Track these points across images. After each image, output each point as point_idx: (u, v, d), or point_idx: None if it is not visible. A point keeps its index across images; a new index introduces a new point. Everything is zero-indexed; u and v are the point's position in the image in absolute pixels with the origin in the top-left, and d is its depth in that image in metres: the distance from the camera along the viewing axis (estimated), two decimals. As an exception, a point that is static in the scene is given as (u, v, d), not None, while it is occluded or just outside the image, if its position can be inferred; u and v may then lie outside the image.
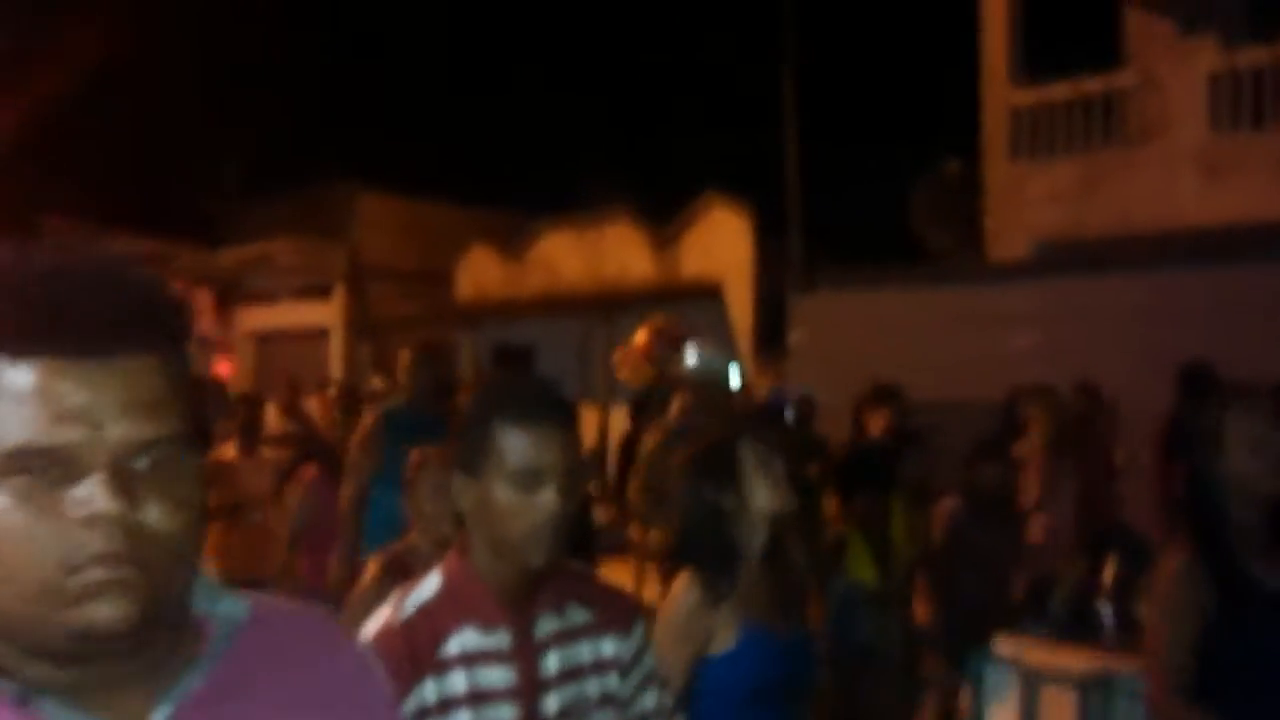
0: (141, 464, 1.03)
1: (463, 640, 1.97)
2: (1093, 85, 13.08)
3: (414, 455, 3.87)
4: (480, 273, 18.31)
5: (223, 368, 19.75)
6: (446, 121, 21.95)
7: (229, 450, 7.02)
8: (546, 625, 2.03)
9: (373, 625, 1.98)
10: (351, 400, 9.60)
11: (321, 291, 19.51)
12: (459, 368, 17.17)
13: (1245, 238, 10.92)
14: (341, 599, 5.26)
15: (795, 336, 13.07)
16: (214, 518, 6.64)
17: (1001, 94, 13.64)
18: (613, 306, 15.80)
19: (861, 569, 5.67)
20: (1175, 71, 12.54)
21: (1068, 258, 12.49)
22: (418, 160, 20.77)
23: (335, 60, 22.02)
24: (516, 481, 1.96)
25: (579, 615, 2.07)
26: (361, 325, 19.06)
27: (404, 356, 6.00)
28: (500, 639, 1.99)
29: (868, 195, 16.21)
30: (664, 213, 15.95)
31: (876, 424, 6.59)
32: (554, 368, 15.22)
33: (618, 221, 16.48)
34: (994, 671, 4.80)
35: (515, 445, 1.96)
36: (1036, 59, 13.63)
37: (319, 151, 20.86)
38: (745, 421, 6.54)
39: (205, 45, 21.05)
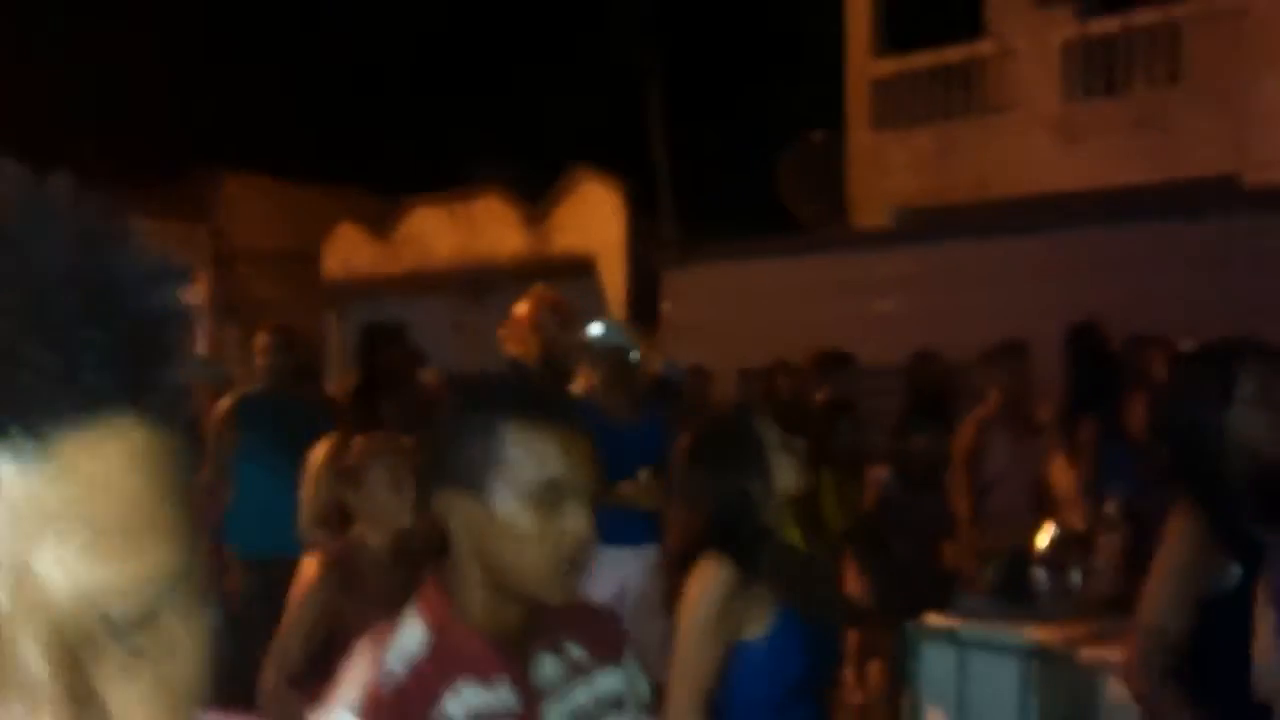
0: None
1: (464, 700, 1.63)
2: (953, 55, 13.34)
3: (359, 441, 3.68)
4: (348, 252, 18.03)
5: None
6: (312, 100, 21.54)
7: None
8: (548, 669, 1.71)
9: (352, 692, 1.62)
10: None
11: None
12: (321, 350, 16.93)
13: (1101, 201, 11.25)
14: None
15: (667, 309, 13.12)
16: None
17: (863, 65, 13.85)
18: (485, 283, 15.68)
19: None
20: (1031, 41, 12.84)
21: (928, 224, 12.76)
22: (284, 140, 20.36)
23: (194, 41, 21.46)
24: (535, 499, 1.64)
25: (575, 651, 1.76)
26: (227, 308, 18.66)
27: (260, 340, 5.90)
28: (503, 693, 1.66)
29: (737, 167, 16.32)
30: (535, 188, 15.86)
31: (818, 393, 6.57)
32: (426, 346, 15.04)
33: (488, 197, 16.34)
34: (928, 644, 4.70)
35: (535, 453, 1.64)
36: (899, 30, 13.86)
37: (180, 133, 20.34)
38: (650, 394, 6.46)
39: (62, 25, 20.38)
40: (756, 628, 2.68)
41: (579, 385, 5.87)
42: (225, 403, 5.75)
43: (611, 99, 17.04)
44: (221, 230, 19.01)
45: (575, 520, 1.65)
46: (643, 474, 5.09)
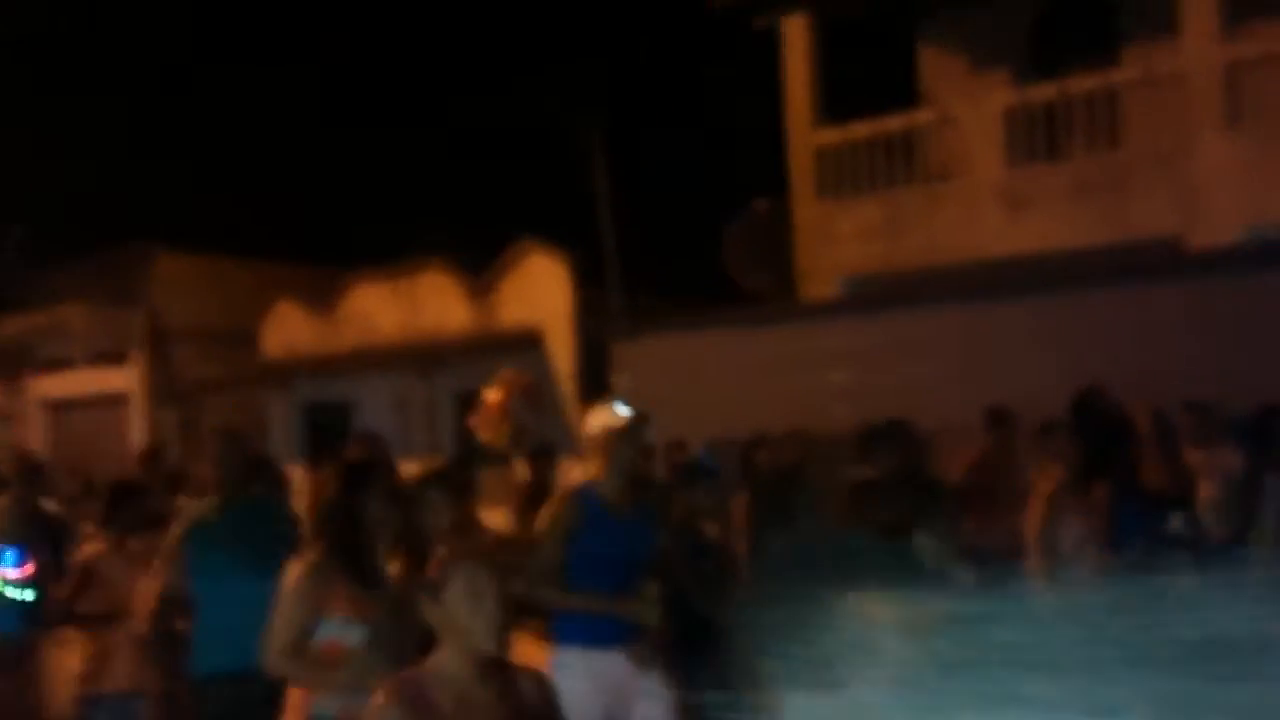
0: None
1: None
2: (893, 124, 13.43)
3: (440, 553, 3.52)
4: (289, 330, 17.74)
5: (13, 439, 18.71)
6: (248, 176, 21.34)
7: (93, 545, 6.31)
8: None
9: None
10: (158, 473, 9.06)
11: (119, 357, 18.65)
12: (264, 433, 16.61)
13: (1047, 268, 11.31)
14: None
15: (619, 382, 13.00)
16: (84, 627, 6.13)
17: (805, 134, 13.90)
18: (430, 359, 15.50)
19: None
20: (971, 109, 12.97)
21: (878, 294, 12.77)
22: (217, 216, 20.11)
23: (122, 114, 21.21)
24: None
25: None
26: (164, 391, 18.27)
27: (209, 448, 5.69)
28: None
29: (682, 237, 16.31)
30: (480, 262, 15.72)
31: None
32: (371, 424, 14.80)
33: (432, 272, 16.17)
34: None
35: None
36: (838, 100, 13.94)
37: (110, 211, 20.03)
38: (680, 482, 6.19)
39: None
40: None
41: (579, 471, 5.72)
42: (175, 530, 5.42)
43: (554, 170, 17.01)
44: (156, 310, 18.65)
45: None
46: (647, 589, 4.95)
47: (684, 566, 5.42)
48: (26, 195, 19.53)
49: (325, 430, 16.20)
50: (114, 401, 18.59)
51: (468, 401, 15.25)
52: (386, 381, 15.84)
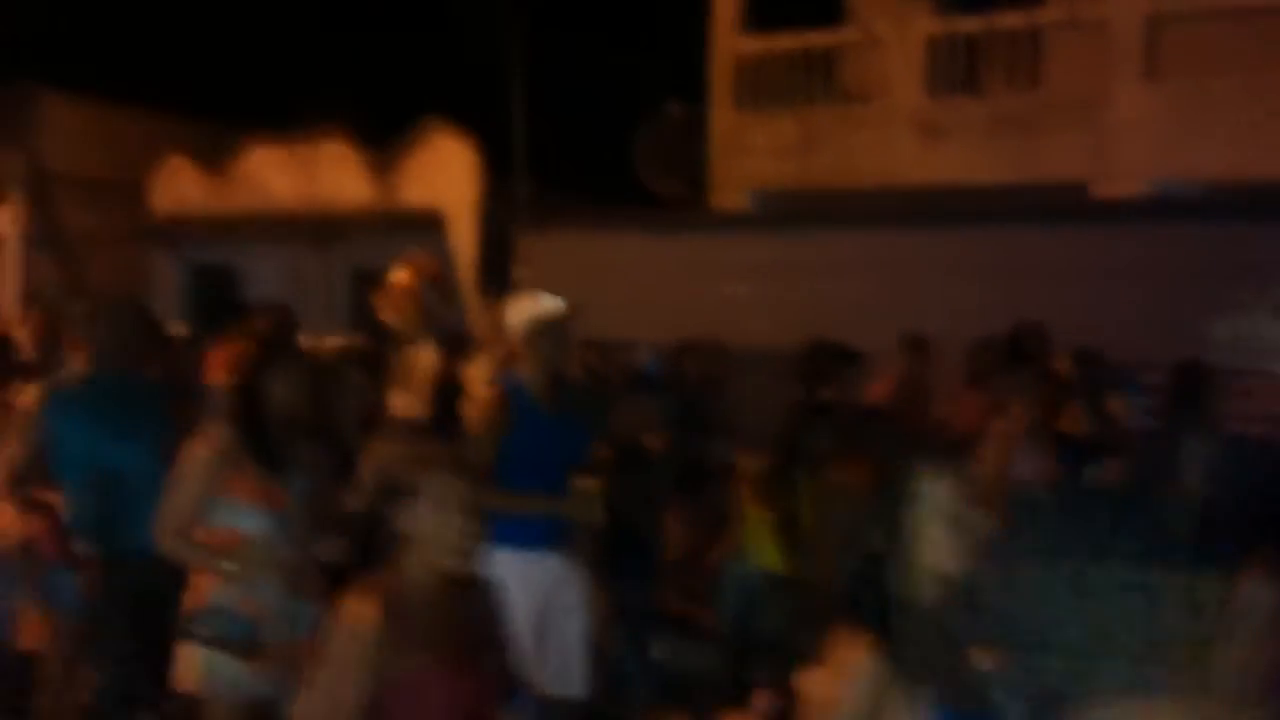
0: None
1: None
2: (816, 39, 13.36)
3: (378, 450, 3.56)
4: (179, 187, 17.19)
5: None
6: (141, 19, 20.41)
7: None
8: None
9: None
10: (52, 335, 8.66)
11: (-4, 199, 17.91)
12: (147, 291, 16.16)
13: (958, 199, 11.44)
14: None
15: (521, 275, 12.89)
16: None
17: (728, 42, 13.76)
18: (327, 231, 15.17)
19: (766, 553, 5.27)
20: (894, 32, 12.95)
21: (787, 210, 12.81)
22: (109, 61, 19.24)
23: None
24: None
25: None
26: (45, 238, 17.61)
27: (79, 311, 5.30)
28: None
29: (595, 137, 16.10)
30: (383, 137, 15.36)
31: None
32: (262, 293, 14.50)
33: (332, 141, 15.75)
34: None
35: None
36: (764, 8, 13.80)
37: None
38: (631, 388, 6.00)
39: None
40: None
41: (502, 362, 5.52)
42: (28, 394, 4.99)
43: (466, 52, 16.60)
44: (37, 152, 17.89)
45: None
46: (583, 483, 4.77)
47: (623, 479, 5.20)
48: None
49: (213, 294, 15.83)
50: (-10, 244, 17.89)
51: (365, 278, 15.01)
52: (280, 250, 15.48)
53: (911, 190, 12.02)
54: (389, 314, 7.31)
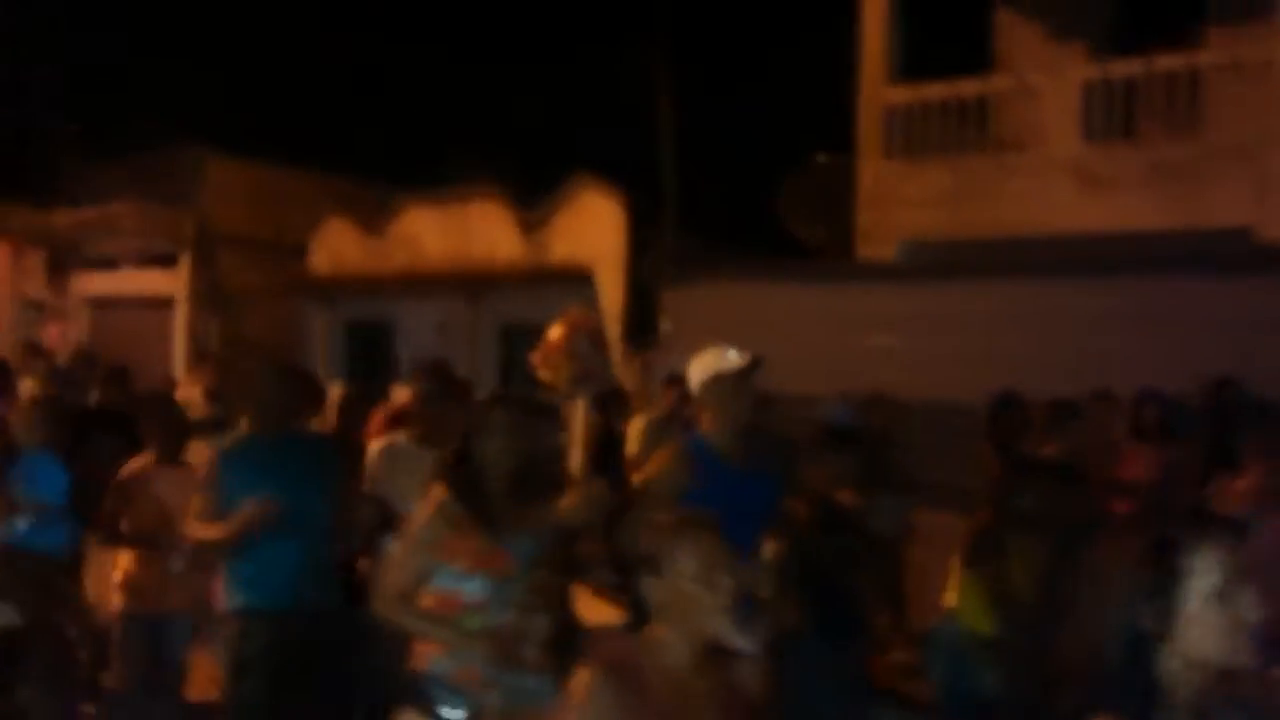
0: None
1: None
2: (967, 88, 13.17)
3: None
4: (337, 246, 17.69)
5: (53, 334, 18.79)
6: (302, 85, 21.16)
7: (145, 458, 5.96)
8: None
9: None
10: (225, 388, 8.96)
11: (166, 259, 18.64)
12: (304, 346, 16.60)
13: (1115, 248, 11.11)
14: None
15: (665, 326, 12.90)
16: (129, 546, 5.85)
17: (877, 91, 13.65)
18: (478, 287, 15.42)
19: (976, 615, 4.92)
20: (1048, 79, 12.70)
21: (936, 261, 12.59)
22: (271, 124, 19.97)
23: (185, 12, 21.02)
24: None
25: None
26: (210, 296, 18.27)
27: (251, 374, 5.24)
28: None
29: (743, 188, 16.12)
30: (531, 194, 15.59)
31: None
32: (414, 349, 14.79)
33: (484, 200, 16.04)
34: None
35: None
36: (912, 58, 13.69)
37: (165, 111, 19.90)
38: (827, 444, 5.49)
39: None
40: None
41: (662, 416, 5.35)
42: (207, 454, 5.16)
43: (616, 108, 16.80)
44: (204, 214, 18.60)
45: None
46: (764, 554, 4.53)
47: (819, 540, 4.96)
48: (85, 91, 19.46)
49: (366, 349, 16.21)
50: (158, 304, 18.61)
51: (513, 333, 15.27)
52: (431, 305, 15.78)
53: (1066, 239, 11.71)
54: (544, 370, 7.28)
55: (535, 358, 7.25)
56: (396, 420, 7.11)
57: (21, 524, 5.03)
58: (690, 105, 15.37)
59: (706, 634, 2.66)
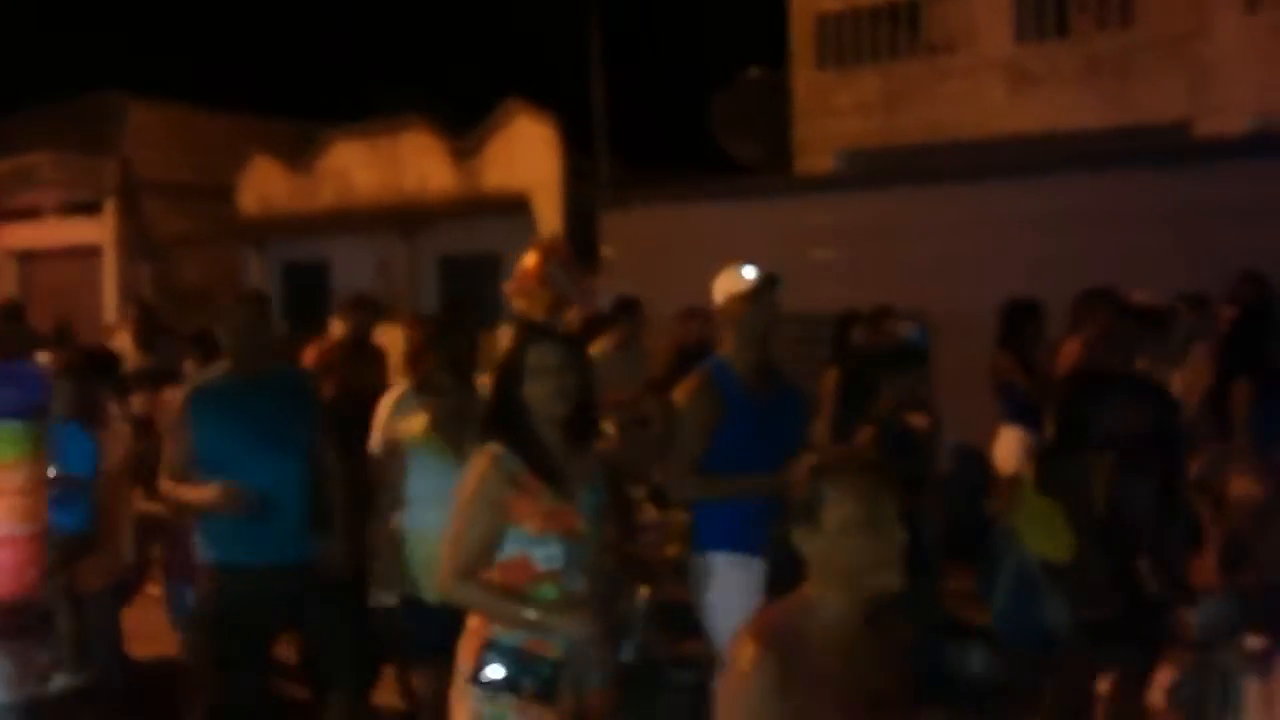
0: None
1: None
2: (898, -8, 13.04)
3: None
4: (265, 186, 17.33)
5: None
6: (220, 25, 20.65)
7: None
8: None
9: None
10: (151, 330, 8.73)
11: (90, 208, 18.20)
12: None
13: (1052, 147, 11.07)
14: None
15: (607, 251, 12.74)
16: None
17: (808, 0, 13.47)
18: (412, 220, 15.17)
19: (1045, 542, 4.61)
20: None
21: (874, 170, 12.50)
22: (191, 67, 19.50)
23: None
24: None
25: None
26: (138, 244, 17.87)
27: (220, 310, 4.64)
28: None
29: (674, 107, 15.92)
30: (464, 123, 15.30)
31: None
32: (350, 286, 14.56)
33: (414, 130, 15.74)
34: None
35: None
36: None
37: (81, 59, 19.35)
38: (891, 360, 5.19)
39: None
40: None
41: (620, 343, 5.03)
42: (177, 395, 4.80)
43: (542, 31, 16.50)
44: (126, 160, 18.15)
45: None
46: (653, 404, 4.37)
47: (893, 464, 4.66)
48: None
49: (303, 291, 15.94)
50: (86, 253, 18.19)
51: (451, 265, 15.05)
52: (366, 242, 15.53)
53: (1001, 141, 11.65)
54: (519, 300, 6.95)
55: (509, 288, 7.00)
56: (326, 357, 6.89)
57: None
58: (619, 25, 15.10)
59: (871, 590, 2.32)
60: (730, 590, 4.21)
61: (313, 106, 17.58)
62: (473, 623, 3.38)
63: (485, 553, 3.31)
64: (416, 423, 4.43)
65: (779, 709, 2.22)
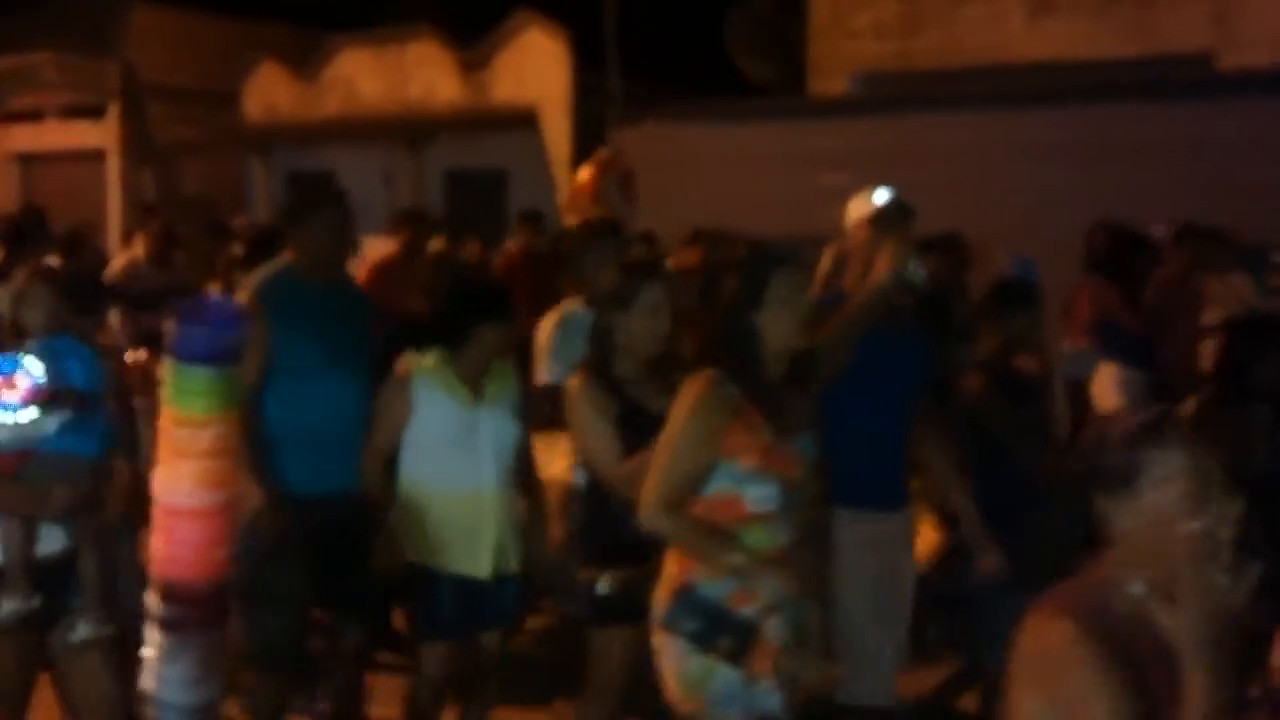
0: None
1: None
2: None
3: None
4: (270, 93, 17.11)
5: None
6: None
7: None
8: None
9: None
10: (167, 246, 8.58)
11: (94, 111, 17.98)
12: (244, 204, 16.17)
13: (1070, 77, 10.90)
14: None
15: (616, 169, 12.62)
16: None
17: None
18: (418, 131, 15.01)
19: None
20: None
21: (889, 94, 12.34)
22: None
23: None
24: None
25: None
26: (142, 149, 17.68)
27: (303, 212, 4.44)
28: None
29: (688, 23, 15.67)
30: (472, 33, 15.06)
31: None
32: (355, 197, 14.40)
33: (421, 40, 15.51)
34: None
35: None
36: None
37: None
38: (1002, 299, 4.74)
39: None
40: None
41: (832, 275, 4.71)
42: (242, 293, 4.33)
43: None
44: (129, 63, 17.89)
45: None
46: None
47: (999, 412, 4.37)
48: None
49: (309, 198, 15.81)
50: (89, 157, 18.00)
51: (458, 179, 14.91)
52: (371, 153, 15.36)
53: (1021, 68, 11.48)
54: (571, 215, 6.68)
55: (563, 201, 6.76)
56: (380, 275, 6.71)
57: (51, 424, 3.65)
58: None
59: (1176, 572, 2.00)
60: (857, 549, 3.88)
61: (319, 12, 17.27)
62: (671, 566, 3.13)
63: (692, 486, 3.05)
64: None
65: (1114, 688, 1.92)
